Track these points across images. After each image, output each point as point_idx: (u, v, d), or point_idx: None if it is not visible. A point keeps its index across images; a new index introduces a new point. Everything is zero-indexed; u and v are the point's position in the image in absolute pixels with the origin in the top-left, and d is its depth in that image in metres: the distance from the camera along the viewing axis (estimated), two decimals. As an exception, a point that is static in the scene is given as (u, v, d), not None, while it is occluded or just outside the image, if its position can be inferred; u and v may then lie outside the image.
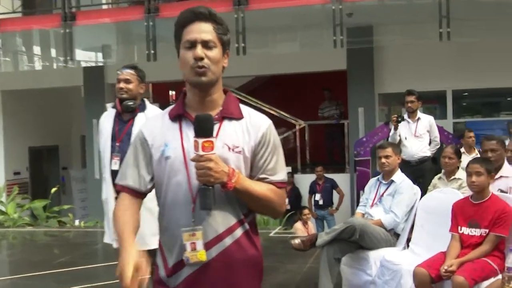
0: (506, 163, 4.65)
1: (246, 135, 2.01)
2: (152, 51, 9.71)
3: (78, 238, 8.46)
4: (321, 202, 10.66)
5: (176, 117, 2.03)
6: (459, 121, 11.14)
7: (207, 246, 1.94)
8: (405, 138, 6.97)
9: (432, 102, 11.72)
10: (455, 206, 4.04)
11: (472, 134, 7.51)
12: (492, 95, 11.82)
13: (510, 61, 10.23)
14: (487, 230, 3.80)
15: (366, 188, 5.02)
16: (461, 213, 3.97)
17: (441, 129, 10.06)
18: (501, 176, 4.57)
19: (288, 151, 12.64)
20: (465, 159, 6.94)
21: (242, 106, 2.07)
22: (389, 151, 4.79)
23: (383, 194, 4.78)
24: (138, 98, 3.87)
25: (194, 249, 1.91)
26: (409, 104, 6.96)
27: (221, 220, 1.96)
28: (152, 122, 2.11)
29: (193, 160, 1.89)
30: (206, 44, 1.96)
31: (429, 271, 3.72)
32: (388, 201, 4.71)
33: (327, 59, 11.02)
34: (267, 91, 13.41)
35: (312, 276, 5.17)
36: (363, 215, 4.87)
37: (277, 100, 12.60)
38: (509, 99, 12.18)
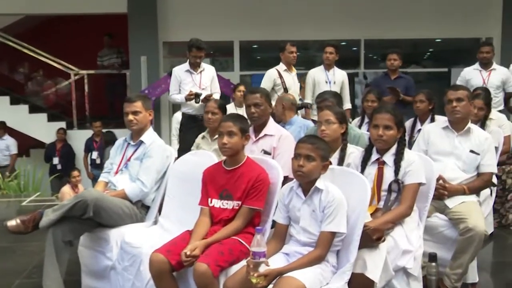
0: (271, 120, 4.05)
1: None
2: None
3: None
4: (98, 161, 9.59)
5: None
6: (246, 73, 10.77)
7: None
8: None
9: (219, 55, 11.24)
10: (206, 174, 3.30)
11: (293, 49, 6.72)
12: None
13: (301, 13, 10.05)
14: (240, 203, 3.13)
15: (112, 150, 4.08)
16: (212, 182, 3.24)
17: (227, 82, 9.61)
18: (265, 135, 3.97)
19: (63, 103, 11.29)
20: (287, 76, 6.52)
21: None
22: (138, 105, 3.88)
23: (130, 158, 3.90)
24: None
25: None
26: (197, 60, 6.24)
27: None
28: None
29: None
30: None
31: (168, 257, 2.94)
32: (135, 166, 3.83)
33: (106, 0, 9.83)
34: (39, 34, 11.67)
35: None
36: (106, 184, 3.96)
37: (51, 46, 10.99)
38: (299, 53, 12.11)
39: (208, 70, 6.45)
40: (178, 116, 6.87)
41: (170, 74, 9.20)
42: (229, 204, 3.16)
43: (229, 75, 10.24)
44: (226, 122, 3.19)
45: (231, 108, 7.01)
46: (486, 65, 6.69)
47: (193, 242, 2.98)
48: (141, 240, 3.34)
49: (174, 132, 7.22)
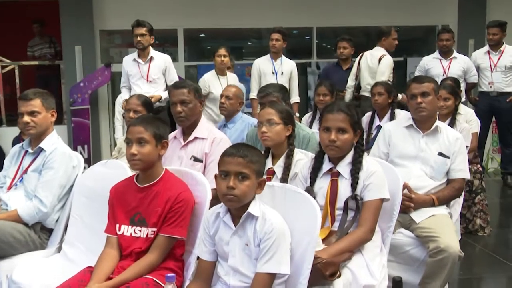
0: (203, 120, 3.35)
1: None
2: None
3: None
4: (28, 162, 8.65)
5: None
6: (191, 64, 10.01)
7: None
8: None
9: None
10: (113, 192, 2.56)
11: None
12: (233, 37, 10.92)
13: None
14: (155, 230, 2.44)
15: (6, 159, 3.32)
16: (121, 203, 2.52)
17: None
18: (195, 138, 3.28)
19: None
20: None
21: None
22: (36, 104, 3.13)
23: (26, 169, 3.15)
24: None
25: None
26: (140, 40, 5.66)
27: None
28: None
29: None
30: None
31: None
32: (32, 180, 3.09)
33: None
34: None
35: None
36: (-2, 202, 3.21)
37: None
38: (250, 43, 11.46)
39: (158, 59, 5.75)
40: (120, 100, 5.99)
41: (107, 65, 8.54)
42: (142, 232, 2.45)
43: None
44: (134, 127, 2.46)
45: (211, 77, 5.96)
46: (446, 53, 6.21)
47: (92, 284, 2.27)
48: (32, 278, 2.61)
49: (118, 117, 6.29)
